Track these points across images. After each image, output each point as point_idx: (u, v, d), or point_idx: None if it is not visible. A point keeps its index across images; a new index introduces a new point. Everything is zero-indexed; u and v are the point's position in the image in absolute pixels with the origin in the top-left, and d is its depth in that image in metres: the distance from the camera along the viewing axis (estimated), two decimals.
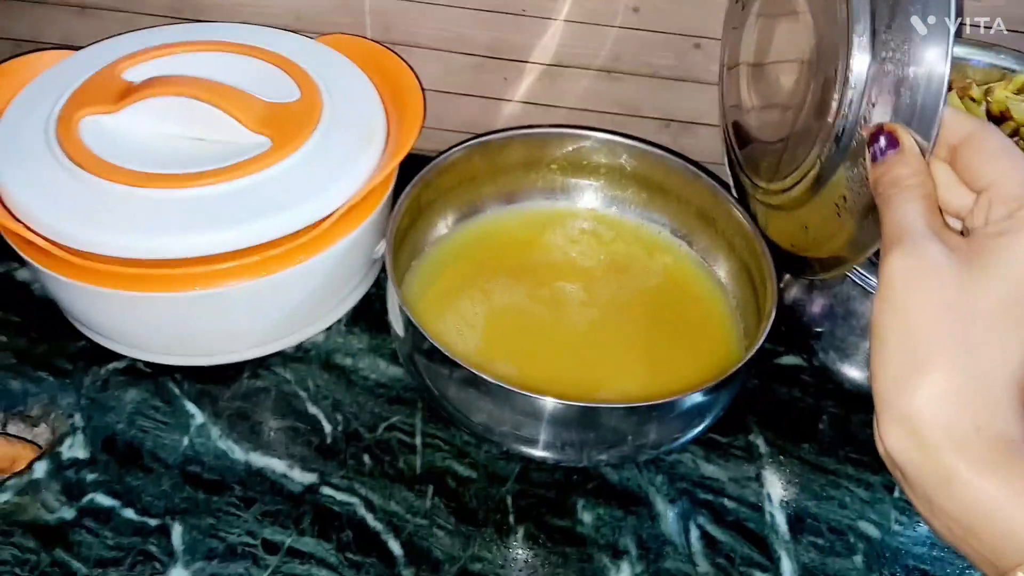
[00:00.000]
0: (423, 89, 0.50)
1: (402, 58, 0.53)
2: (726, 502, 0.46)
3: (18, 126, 0.46)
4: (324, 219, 0.44)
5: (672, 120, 0.59)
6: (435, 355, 0.41)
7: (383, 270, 0.55)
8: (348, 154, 0.46)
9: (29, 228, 0.42)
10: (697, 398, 0.42)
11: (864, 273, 0.42)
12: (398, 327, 0.46)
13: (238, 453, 0.46)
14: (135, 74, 0.49)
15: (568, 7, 0.54)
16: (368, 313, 0.53)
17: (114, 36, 0.53)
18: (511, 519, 0.45)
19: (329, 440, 0.47)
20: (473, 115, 0.60)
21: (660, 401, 0.41)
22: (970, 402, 0.26)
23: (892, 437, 0.27)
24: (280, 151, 0.45)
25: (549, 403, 0.40)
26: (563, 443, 0.44)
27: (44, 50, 0.53)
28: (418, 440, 0.47)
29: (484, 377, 0.40)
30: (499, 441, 0.45)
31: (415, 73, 0.52)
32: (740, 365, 0.41)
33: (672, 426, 0.44)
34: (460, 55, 0.57)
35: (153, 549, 0.42)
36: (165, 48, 0.51)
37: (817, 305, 0.46)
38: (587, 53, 0.56)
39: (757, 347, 0.42)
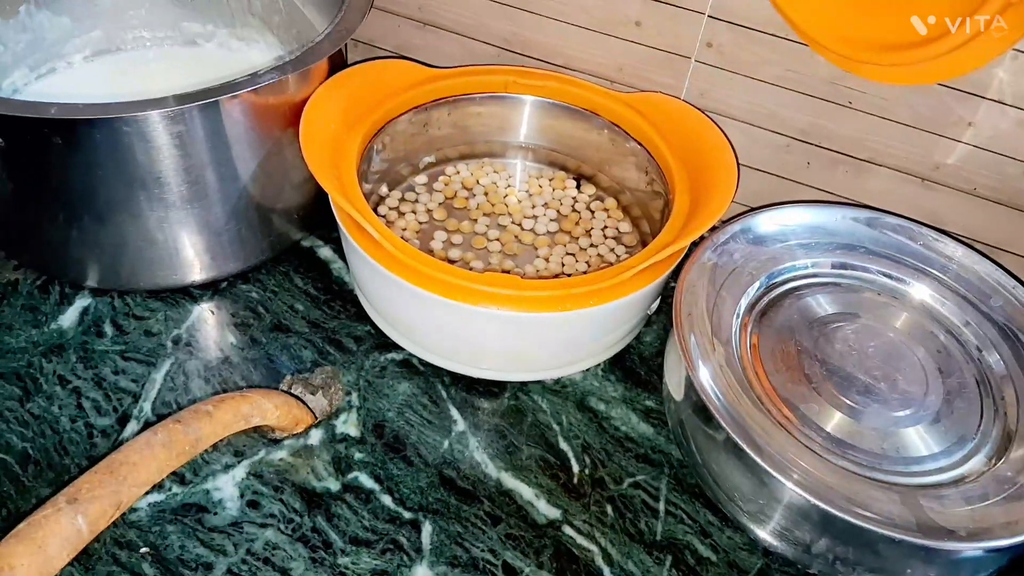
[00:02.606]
0: (739, 165, 0.51)
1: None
2: None
3: None
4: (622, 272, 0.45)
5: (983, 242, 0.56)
6: (718, 428, 0.41)
7: (648, 325, 0.55)
8: None
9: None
10: (975, 552, 0.39)
11: None
12: (676, 390, 0.46)
13: (491, 469, 0.47)
14: None
15: (900, 111, 0.52)
16: (625, 364, 0.53)
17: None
18: None
19: (576, 480, 0.47)
20: (764, 192, 0.60)
21: (928, 543, 0.38)
22: None
23: None
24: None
25: (830, 509, 0.38)
26: (818, 551, 0.42)
27: (380, 57, 0.58)
28: (661, 505, 0.47)
29: (769, 469, 0.39)
30: (750, 527, 0.44)
31: (733, 149, 0.52)
32: None
33: (943, 570, 0.41)
34: (769, 132, 0.57)
35: (403, 541, 0.44)
36: None
37: None
38: (907, 157, 0.54)
39: None
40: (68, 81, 0.64)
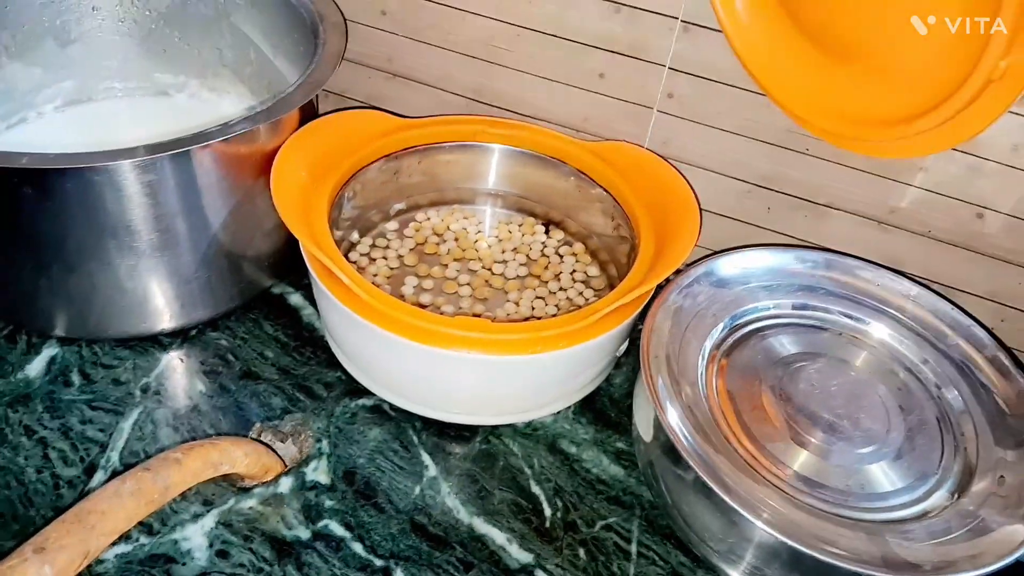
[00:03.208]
0: (701, 211, 0.52)
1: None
2: None
3: None
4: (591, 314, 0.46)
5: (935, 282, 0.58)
6: (687, 469, 0.42)
7: (617, 367, 0.56)
8: None
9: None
10: None
11: None
12: (645, 432, 0.47)
13: (463, 514, 0.47)
14: None
15: (855, 157, 0.54)
16: (595, 407, 0.54)
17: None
18: None
19: (548, 524, 0.47)
20: (726, 237, 0.61)
21: None
22: None
23: None
24: None
25: (798, 547, 0.39)
26: None
27: (351, 107, 0.59)
28: (633, 548, 0.47)
29: (739, 508, 0.39)
30: (721, 567, 0.44)
31: (695, 195, 0.54)
32: None
33: None
34: (730, 179, 0.59)
35: None
36: None
37: None
38: (863, 201, 0.56)
39: None
40: (39, 131, 0.64)
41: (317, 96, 0.56)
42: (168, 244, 0.49)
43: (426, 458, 0.50)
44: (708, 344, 0.49)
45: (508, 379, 0.48)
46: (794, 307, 0.52)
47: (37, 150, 0.44)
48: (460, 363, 0.46)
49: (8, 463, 0.46)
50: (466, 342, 0.45)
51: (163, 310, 0.52)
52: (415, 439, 0.50)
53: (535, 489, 0.49)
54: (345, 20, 0.58)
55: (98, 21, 0.64)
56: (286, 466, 0.48)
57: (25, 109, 0.64)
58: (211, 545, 0.44)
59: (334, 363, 0.53)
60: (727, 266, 0.53)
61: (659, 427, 0.44)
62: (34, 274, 0.49)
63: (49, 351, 0.52)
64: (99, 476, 0.46)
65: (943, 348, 0.51)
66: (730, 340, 0.50)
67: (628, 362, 0.57)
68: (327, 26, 0.57)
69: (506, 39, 0.60)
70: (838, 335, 0.52)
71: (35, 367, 0.51)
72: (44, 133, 0.64)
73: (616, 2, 0.55)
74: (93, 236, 0.47)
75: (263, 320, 0.56)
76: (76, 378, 0.51)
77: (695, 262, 0.53)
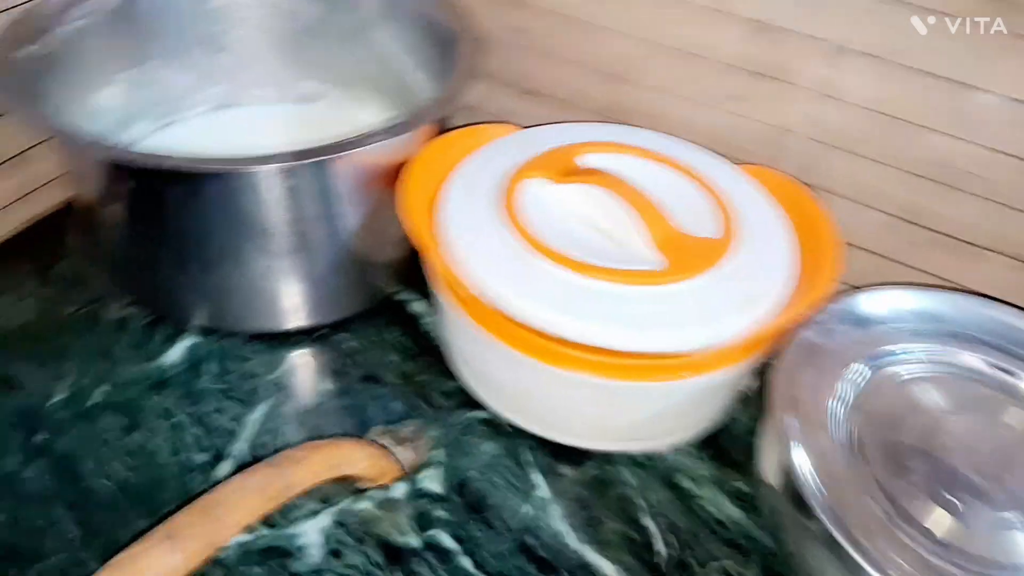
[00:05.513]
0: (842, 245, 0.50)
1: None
2: None
3: (469, 182, 0.52)
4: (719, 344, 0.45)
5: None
6: (814, 519, 0.39)
7: (744, 403, 0.54)
8: (746, 295, 0.46)
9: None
10: None
11: None
12: (770, 475, 0.45)
13: (572, 540, 0.46)
14: (583, 160, 0.53)
15: (1018, 200, 0.50)
16: (717, 443, 0.52)
17: (561, 123, 0.58)
18: None
19: (659, 560, 0.46)
20: (866, 272, 0.58)
21: None
22: None
23: None
24: (678, 274, 0.46)
25: None
26: None
27: (482, 121, 0.60)
28: None
29: (869, 569, 0.37)
30: None
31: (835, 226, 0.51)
32: None
33: None
34: (872, 210, 0.56)
35: None
36: (608, 145, 0.54)
37: None
38: (1021, 244, 0.52)
39: None
40: (188, 133, 0.68)
41: None
42: (302, 248, 0.51)
43: (538, 478, 0.49)
44: (843, 387, 0.46)
45: (625, 405, 0.47)
46: (940, 355, 0.49)
47: (185, 152, 0.46)
48: (578, 385, 0.46)
49: (145, 443, 0.49)
50: (585, 364, 0.45)
51: (293, 310, 0.54)
52: (528, 457, 0.50)
53: (647, 522, 0.48)
54: (482, 36, 0.59)
55: (246, 31, 0.67)
56: (402, 471, 0.49)
57: (176, 112, 0.68)
58: (326, 543, 0.45)
59: (449, 373, 0.54)
60: (868, 304, 0.50)
61: (785, 471, 0.42)
62: (176, 269, 0.52)
63: (187, 341, 0.55)
64: (227, 464, 0.48)
65: None
66: (867, 384, 0.47)
67: (755, 399, 0.54)
68: (465, 42, 0.57)
69: (641, 57, 0.59)
70: (988, 389, 0.48)
71: (173, 355, 0.54)
72: (193, 135, 0.67)
73: (760, 22, 0.53)
74: (233, 237, 0.49)
75: (387, 326, 0.57)
76: (211, 368, 0.53)
77: (832, 297, 0.50)
